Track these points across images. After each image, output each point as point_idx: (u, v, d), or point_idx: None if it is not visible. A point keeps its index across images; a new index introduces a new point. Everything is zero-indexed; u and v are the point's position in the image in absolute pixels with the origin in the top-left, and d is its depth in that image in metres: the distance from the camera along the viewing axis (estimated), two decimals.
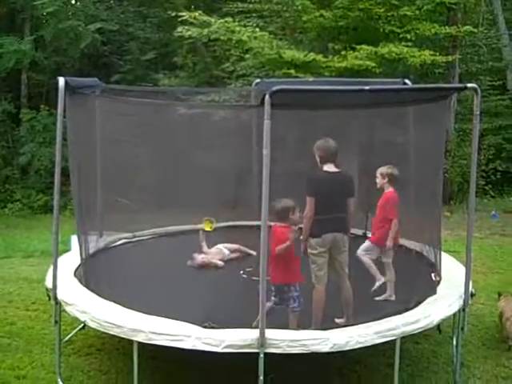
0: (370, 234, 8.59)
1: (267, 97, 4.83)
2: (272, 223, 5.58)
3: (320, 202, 5.76)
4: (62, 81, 5.99)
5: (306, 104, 5.97)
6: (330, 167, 5.94)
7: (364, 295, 6.21)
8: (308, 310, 5.72)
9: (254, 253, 7.81)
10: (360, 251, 6.67)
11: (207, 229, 8.44)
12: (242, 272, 7.54)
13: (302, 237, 5.85)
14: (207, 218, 8.45)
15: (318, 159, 5.99)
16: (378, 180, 6.76)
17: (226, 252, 8.28)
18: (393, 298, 6.46)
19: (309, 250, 5.84)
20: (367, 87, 5.20)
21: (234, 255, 8.33)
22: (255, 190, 7.57)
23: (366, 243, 6.76)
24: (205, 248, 8.21)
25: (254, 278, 6.25)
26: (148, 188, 8.64)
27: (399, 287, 6.39)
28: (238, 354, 5.08)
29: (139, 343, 5.32)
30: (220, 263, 8.01)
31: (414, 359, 6.61)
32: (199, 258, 7.94)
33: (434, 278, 6.58)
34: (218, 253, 8.21)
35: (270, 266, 5.31)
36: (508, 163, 18.42)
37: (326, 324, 5.54)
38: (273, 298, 5.69)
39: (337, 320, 5.84)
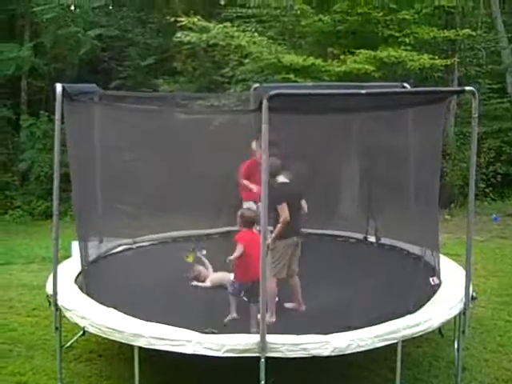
0: (371, 239, 8.61)
1: (265, 101, 4.85)
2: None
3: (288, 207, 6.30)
4: (59, 87, 6.01)
5: (304, 108, 5.98)
6: (282, 178, 6.49)
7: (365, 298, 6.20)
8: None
9: None
10: None
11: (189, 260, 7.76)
12: None
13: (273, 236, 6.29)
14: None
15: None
16: None
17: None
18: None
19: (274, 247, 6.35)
20: (364, 91, 5.22)
21: None
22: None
23: None
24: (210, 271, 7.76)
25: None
26: (148, 194, 8.60)
27: (397, 290, 6.37)
28: (239, 358, 5.09)
29: (140, 348, 5.33)
30: (204, 284, 7.53)
31: (415, 363, 6.60)
32: (200, 270, 7.66)
33: (432, 282, 6.57)
34: (222, 277, 7.42)
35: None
36: (508, 166, 18.37)
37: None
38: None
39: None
